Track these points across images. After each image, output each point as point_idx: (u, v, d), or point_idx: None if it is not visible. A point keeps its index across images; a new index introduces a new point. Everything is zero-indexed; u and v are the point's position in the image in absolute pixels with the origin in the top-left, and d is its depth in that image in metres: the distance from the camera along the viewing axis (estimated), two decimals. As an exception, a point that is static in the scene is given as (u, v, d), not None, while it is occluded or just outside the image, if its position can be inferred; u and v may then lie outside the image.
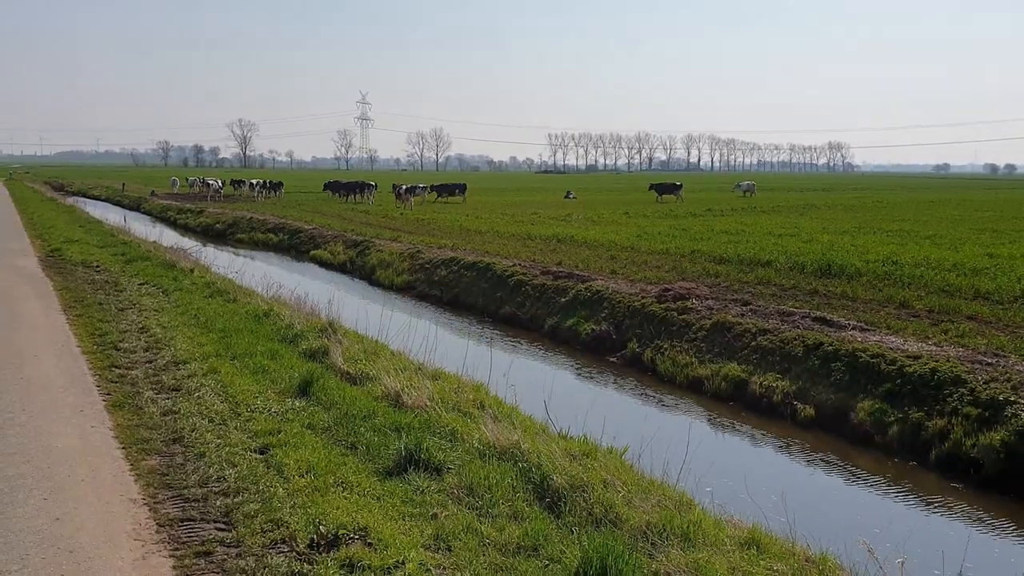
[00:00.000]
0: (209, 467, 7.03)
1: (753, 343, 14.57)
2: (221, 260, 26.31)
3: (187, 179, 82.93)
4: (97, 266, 20.72)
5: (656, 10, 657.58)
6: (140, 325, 13.25)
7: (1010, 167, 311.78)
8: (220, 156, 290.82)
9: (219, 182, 66.69)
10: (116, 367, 10.64)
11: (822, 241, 26.88)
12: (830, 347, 13.38)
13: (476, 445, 7.40)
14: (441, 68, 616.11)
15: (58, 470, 7.03)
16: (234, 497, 6.40)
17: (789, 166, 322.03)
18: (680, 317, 16.26)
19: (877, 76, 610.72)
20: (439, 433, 7.77)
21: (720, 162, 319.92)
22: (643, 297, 17.61)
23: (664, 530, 5.74)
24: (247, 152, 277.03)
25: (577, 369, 15.53)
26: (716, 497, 7.32)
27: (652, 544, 5.61)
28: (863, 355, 12.80)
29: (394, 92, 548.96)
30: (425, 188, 57.16)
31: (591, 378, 14.94)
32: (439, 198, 57.83)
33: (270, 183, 65.30)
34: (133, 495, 6.53)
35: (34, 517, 6.14)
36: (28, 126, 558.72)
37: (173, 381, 9.87)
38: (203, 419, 8.30)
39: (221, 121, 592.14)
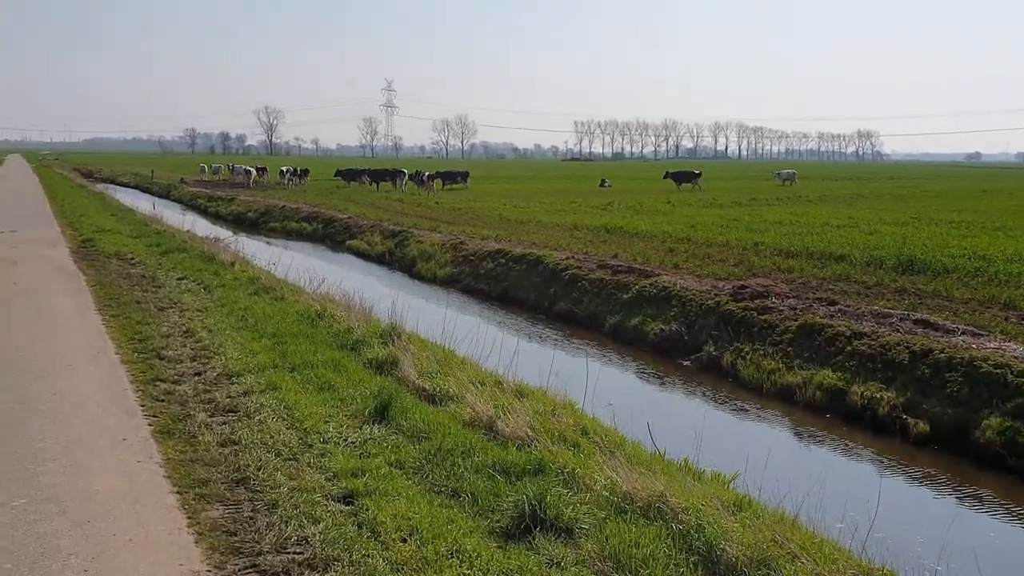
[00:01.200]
0: (286, 523, 5.63)
1: (848, 348, 13.20)
2: (258, 251, 25.13)
3: (211, 166, 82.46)
4: (132, 259, 19.54)
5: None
6: (184, 328, 11.90)
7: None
8: (247, 143, 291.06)
9: (253, 170, 65.37)
10: (161, 380, 9.27)
11: (885, 233, 25.41)
12: (941, 354, 11.97)
13: (604, 494, 5.96)
14: (466, 56, 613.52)
15: (100, 526, 5.65)
16: (323, 572, 5.02)
17: (817, 154, 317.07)
18: (761, 317, 14.89)
19: (906, 62, 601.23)
20: (555, 477, 6.38)
21: (747, 150, 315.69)
22: (716, 295, 16.25)
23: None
24: (273, 139, 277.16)
25: (657, 376, 14.16)
26: (883, 550, 5.94)
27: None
28: (984, 364, 11.40)
29: (419, 79, 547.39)
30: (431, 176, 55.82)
31: (674, 386, 13.59)
32: (444, 186, 56.13)
33: (300, 170, 64.06)
34: (196, 565, 5.15)
35: (70, 600, 4.75)
36: (55, 113, 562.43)
37: (228, 400, 8.49)
38: (269, 452, 6.93)
39: (248, 108, 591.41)
